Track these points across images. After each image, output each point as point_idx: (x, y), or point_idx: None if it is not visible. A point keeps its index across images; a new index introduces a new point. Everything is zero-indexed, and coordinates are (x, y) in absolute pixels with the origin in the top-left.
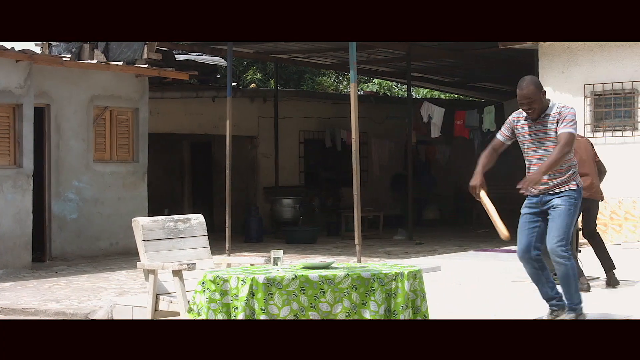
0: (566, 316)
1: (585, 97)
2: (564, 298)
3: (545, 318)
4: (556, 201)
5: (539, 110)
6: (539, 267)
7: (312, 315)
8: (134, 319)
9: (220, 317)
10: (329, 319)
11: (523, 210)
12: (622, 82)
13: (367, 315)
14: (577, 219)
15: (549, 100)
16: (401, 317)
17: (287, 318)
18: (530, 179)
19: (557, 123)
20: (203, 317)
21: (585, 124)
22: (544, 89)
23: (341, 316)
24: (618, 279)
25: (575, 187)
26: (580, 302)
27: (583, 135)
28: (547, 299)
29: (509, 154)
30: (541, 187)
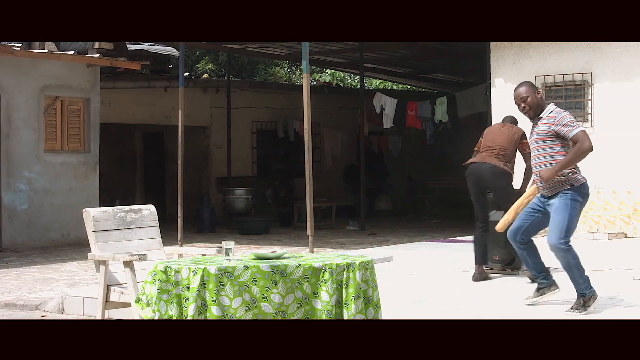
0: (576, 304)
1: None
2: (549, 277)
3: (531, 296)
4: (553, 201)
5: (534, 108)
6: (524, 248)
7: (264, 307)
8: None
9: (172, 307)
10: (283, 316)
11: (534, 199)
12: (572, 74)
13: (319, 306)
14: (579, 213)
15: (547, 103)
16: (352, 308)
17: (238, 309)
18: (543, 176)
19: (552, 126)
20: (153, 307)
21: None
22: (537, 90)
23: (293, 307)
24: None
25: (569, 186)
26: (587, 287)
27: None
28: (534, 277)
29: (459, 148)
30: (543, 191)
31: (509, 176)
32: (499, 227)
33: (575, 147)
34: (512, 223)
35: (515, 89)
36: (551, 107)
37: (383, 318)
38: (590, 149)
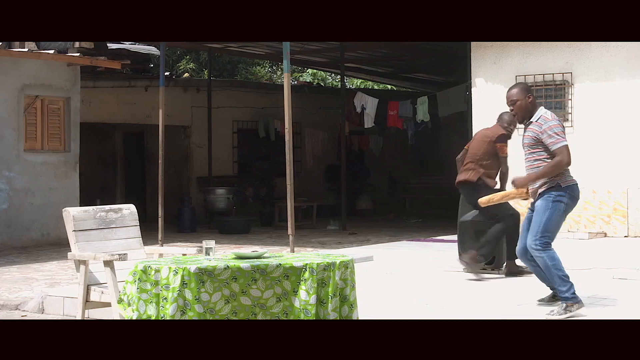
0: (558, 307)
1: None
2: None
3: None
4: (537, 202)
5: (522, 112)
6: (535, 265)
7: (243, 300)
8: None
9: (150, 307)
10: (262, 308)
11: (527, 212)
12: (553, 74)
13: (297, 304)
14: (561, 214)
15: (537, 108)
16: (329, 306)
17: (217, 302)
18: (516, 182)
19: (537, 133)
20: (134, 307)
21: None
22: (529, 94)
23: (272, 301)
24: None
25: (553, 185)
26: (566, 290)
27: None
28: (552, 290)
29: (440, 147)
30: (531, 190)
31: (473, 186)
32: (482, 200)
33: (554, 161)
34: (495, 204)
35: (508, 90)
36: (541, 111)
37: (361, 317)
38: (568, 164)
